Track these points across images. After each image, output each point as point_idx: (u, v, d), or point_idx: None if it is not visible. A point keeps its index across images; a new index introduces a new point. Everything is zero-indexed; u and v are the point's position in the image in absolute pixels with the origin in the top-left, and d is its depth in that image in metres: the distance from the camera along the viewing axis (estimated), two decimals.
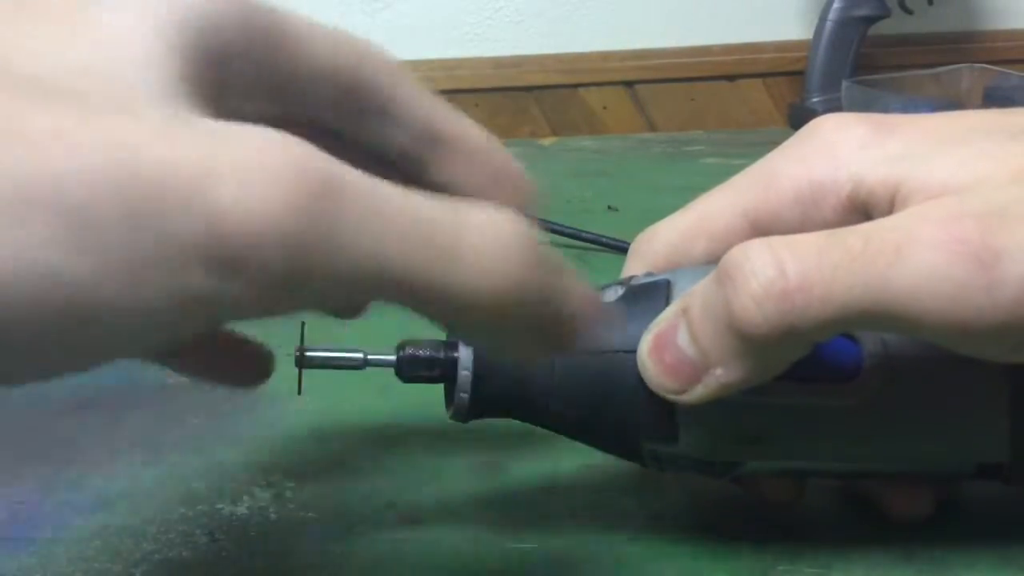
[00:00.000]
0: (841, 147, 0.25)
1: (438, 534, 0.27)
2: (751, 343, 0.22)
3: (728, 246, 0.24)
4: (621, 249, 0.48)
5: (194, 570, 0.26)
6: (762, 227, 0.26)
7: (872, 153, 0.24)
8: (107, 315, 0.15)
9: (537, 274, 0.18)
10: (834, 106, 0.96)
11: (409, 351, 0.24)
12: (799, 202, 0.25)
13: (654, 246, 0.28)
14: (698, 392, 0.23)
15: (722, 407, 0.23)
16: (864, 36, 1.01)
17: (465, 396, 0.24)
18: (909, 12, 1.04)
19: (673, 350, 0.23)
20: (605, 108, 1.14)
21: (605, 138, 1.11)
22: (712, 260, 0.25)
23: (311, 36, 0.21)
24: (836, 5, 1.01)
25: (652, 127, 1.15)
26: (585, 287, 0.20)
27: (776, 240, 0.22)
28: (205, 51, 0.18)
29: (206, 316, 0.16)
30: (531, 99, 1.14)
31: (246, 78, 0.20)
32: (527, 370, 0.24)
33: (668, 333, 0.23)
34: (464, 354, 0.24)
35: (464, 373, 0.24)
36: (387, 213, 0.16)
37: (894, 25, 1.04)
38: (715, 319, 0.22)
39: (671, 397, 0.23)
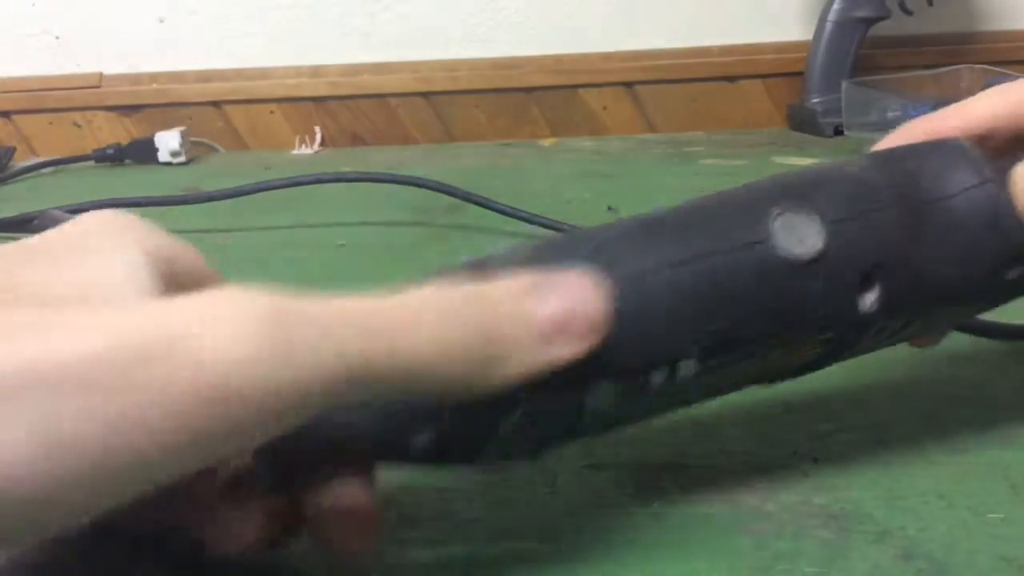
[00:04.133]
0: None
1: (438, 534, 0.27)
2: None
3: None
4: None
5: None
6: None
7: None
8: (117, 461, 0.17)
9: None
10: (834, 107, 0.96)
11: None
12: None
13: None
14: None
15: None
16: (864, 37, 1.02)
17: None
18: (909, 13, 1.04)
19: None
20: (605, 109, 1.14)
21: (605, 139, 1.11)
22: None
23: None
24: (836, 6, 1.01)
25: (652, 128, 1.15)
26: None
27: None
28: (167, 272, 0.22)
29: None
30: (531, 100, 1.14)
31: None
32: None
33: None
34: None
35: None
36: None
37: (894, 26, 1.05)
38: None
39: None
